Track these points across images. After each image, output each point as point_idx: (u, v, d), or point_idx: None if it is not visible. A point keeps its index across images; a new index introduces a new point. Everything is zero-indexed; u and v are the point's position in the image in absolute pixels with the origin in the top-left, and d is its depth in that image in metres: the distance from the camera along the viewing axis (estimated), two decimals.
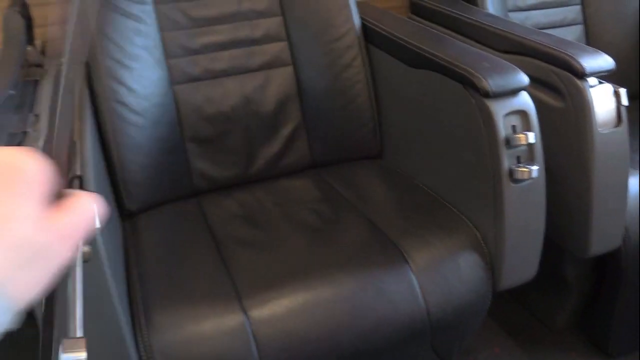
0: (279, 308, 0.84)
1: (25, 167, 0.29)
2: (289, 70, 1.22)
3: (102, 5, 1.05)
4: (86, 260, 0.67)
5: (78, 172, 0.74)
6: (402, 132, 1.20)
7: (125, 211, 1.09)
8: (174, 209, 1.11)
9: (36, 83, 0.94)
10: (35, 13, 1.26)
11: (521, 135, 0.90)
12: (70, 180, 0.74)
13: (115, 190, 1.06)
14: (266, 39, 1.20)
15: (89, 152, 0.80)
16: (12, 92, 0.88)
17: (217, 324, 0.81)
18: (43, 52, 1.25)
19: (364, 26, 1.23)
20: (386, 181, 1.19)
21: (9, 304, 0.26)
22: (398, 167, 1.22)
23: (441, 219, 1.01)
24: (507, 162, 0.89)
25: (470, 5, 1.38)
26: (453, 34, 1.26)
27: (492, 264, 0.97)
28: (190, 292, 0.85)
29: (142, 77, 1.08)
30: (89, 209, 0.31)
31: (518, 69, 0.92)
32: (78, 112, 0.91)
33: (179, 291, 0.86)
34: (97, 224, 0.32)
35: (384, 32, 1.17)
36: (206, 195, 1.17)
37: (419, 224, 1.00)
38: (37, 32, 1.20)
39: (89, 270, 0.68)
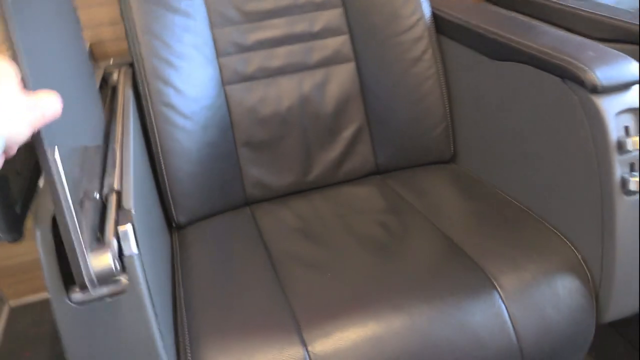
0: (344, 342, 0.72)
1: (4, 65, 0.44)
2: (350, 66, 1.10)
3: (147, 1, 0.96)
4: (122, 292, 0.58)
5: (116, 186, 0.65)
6: (480, 133, 1.06)
7: (174, 224, 1.00)
8: (225, 221, 1.02)
9: None
10: (82, 16, 1.19)
11: (635, 138, 0.74)
12: (106, 195, 0.65)
13: (163, 201, 0.97)
14: (326, 32, 1.09)
15: (131, 162, 0.70)
16: None
17: (274, 359, 0.70)
18: (91, 54, 1.18)
19: (435, 16, 1.09)
20: (462, 189, 1.05)
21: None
22: (474, 174, 1.08)
23: (532, 236, 0.87)
24: (619, 170, 0.74)
25: None
26: (538, 22, 1.11)
27: (596, 291, 0.81)
28: (243, 322, 0.74)
29: (191, 77, 0.99)
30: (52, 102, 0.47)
31: (631, 59, 0.76)
32: (120, 118, 0.82)
33: (230, 320, 0.75)
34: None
35: (459, 22, 1.03)
36: (260, 205, 1.07)
37: (505, 242, 0.86)
38: (85, 34, 1.13)
39: (127, 301, 0.59)
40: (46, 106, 0.46)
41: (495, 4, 1.30)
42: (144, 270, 0.59)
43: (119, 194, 0.63)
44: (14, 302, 1.58)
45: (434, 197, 1.02)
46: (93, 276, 0.53)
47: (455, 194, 1.04)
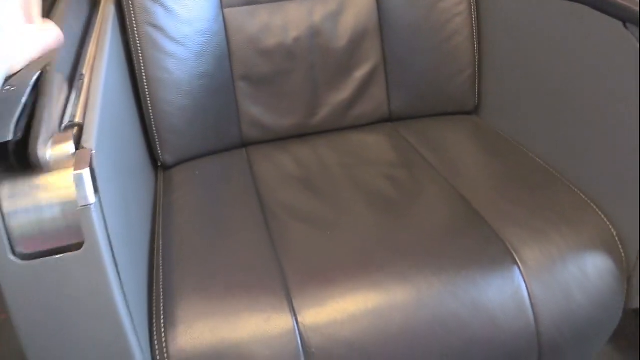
0: (339, 314, 0.63)
1: None
2: None
3: None
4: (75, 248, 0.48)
5: (78, 119, 0.54)
6: (510, 83, 0.93)
7: (159, 163, 0.89)
8: (216, 163, 0.91)
9: None
10: None
11: None
12: (65, 128, 0.54)
13: (147, 137, 0.87)
14: None
15: (100, 90, 0.59)
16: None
17: (259, 329, 0.61)
18: None
19: None
20: (483, 145, 0.94)
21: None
22: (499, 129, 0.96)
23: (562, 205, 0.76)
24: None
25: None
26: None
27: (629, 274, 0.72)
28: (227, 282, 0.65)
29: None
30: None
31: None
32: (96, 39, 0.70)
33: (212, 279, 0.66)
34: None
35: None
36: (257, 147, 0.96)
37: (530, 210, 0.75)
38: None
39: (81, 258, 0.49)
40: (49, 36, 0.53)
41: None
42: (104, 222, 0.49)
43: (81, 128, 0.52)
44: None
45: (452, 152, 0.91)
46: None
47: (476, 150, 0.93)
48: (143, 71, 0.83)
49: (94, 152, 0.49)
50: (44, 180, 0.47)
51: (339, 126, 1.00)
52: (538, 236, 0.71)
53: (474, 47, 0.96)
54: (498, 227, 0.72)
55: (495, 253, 0.69)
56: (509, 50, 0.91)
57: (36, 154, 0.46)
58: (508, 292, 0.67)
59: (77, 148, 0.50)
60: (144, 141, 0.87)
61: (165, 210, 0.79)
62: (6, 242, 0.46)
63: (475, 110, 1.02)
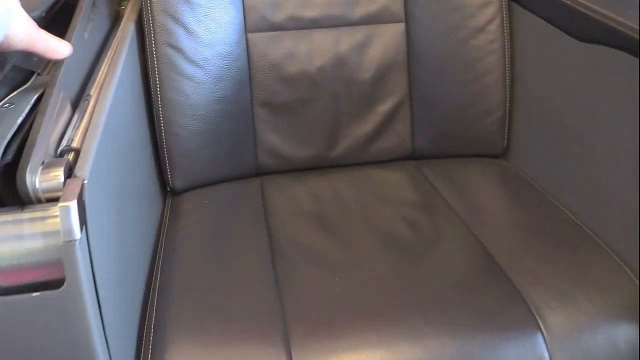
0: None
1: None
2: (399, 27, 0.92)
3: None
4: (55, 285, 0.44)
5: (76, 143, 0.50)
6: (542, 127, 0.88)
7: (168, 188, 0.86)
8: (228, 191, 0.88)
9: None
10: None
11: None
12: (61, 153, 0.51)
13: (158, 161, 0.84)
14: None
15: (105, 113, 0.56)
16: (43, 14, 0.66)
17: None
18: None
19: None
20: (510, 192, 0.88)
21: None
22: (529, 175, 0.90)
23: (593, 266, 0.70)
24: None
25: None
26: None
27: None
28: (224, 326, 0.61)
29: (208, 17, 0.83)
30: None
31: None
32: (109, 59, 0.67)
33: (208, 321, 0.61)
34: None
35: None
36: (272, 177, 0.92)
37: (557, 268, 0.69)
38: None
39: (61, 297, 0.45)
40: (53, 46, 0.54)
41: None
42: (89, 258, 0.45)
43: (77, 154, 0.49)
44: None
45: (476, 198, 0.86)
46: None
47: (502, 197, 0.87)
48: (158, 93, 0.81)
49: (86, 181, 0.45)
50: (29, 209, 0.44)
51: (359, 161, 0.96)
52: (564, 299, 0.65)
53: (506, 88, 0.91)
54: (521, 286, 0.67)
55: (517, 315, 0.63)
56: (542, 94, 0.86)
57: (24, 180, 0.43)
58: None
59: (69, 176, 0.46)
60: (155, 165, 0.84)
61: (168, 240, 0.75)
62: None
63: (503, 154, 0.97)
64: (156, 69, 0.80)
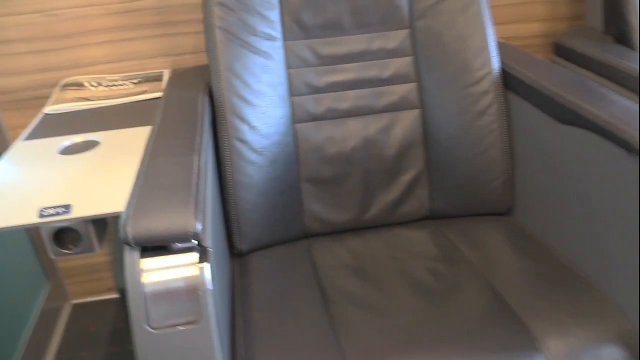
0: None
1: None
2: (416, 113, 1.14)
3: (232, 41, 1.04)
4: (195, 322, 0.64)
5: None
6: (540, 190, 1.07)
7: (235, 251, 1.06)
8: (283, 252, 1.07)
9: None
10: (167, 43, 1.29)
11: None
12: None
13: (228, 229, 1.04)
14: (395, 79, 1.14)
15: (209, 198, 0.77)
16: None
17: None
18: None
19: (504, 71, 1.12)
20: (516, 245, 1.07)
21: None
22: (530, 230, 1.09)
23: (585, 302, 0.88)
24: None
25: (626, 49, 1.22)
26: (607, 82, 1.12)
27: None
28: (295, 355, 0.79)
29: (265, 115, 1.06)
30: None
31: None
32: (199, 149, 0.89)
33: (283, 351, 0.80)
34: None
35: (526, 80, 1.06)
36: (317, 239, 1.12)
37: (555, 305, 0.87)
38: (167, 60, 1.22)
39: (197, 331, 0.65)
40: None
41: (566, 60, 1.31)
42: (215, 304, 0.64)
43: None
44: (76, 301, 1.69)
45: (488, 250, 1.04)
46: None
47: (509, 248, 1.06)
48: (230, 176, 1.02)
49: (211, 250, 0.65)
50: (173, 261, 0.63)
51: (388, 222, 1.15)
52: (561, 328, 0.83)
53: (505, 160, 1.11)
54: (526, 319, 0.84)
55: (522, 342, 0.81)
56: (537, 165, 1.06)
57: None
58: None
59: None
60: (225, 232, 1.04)
61: (242, 292, 0.95)
62: (144, 314, 0.63)
63: (509, 212, 1.16)
64: (228, 158, 1.02)
